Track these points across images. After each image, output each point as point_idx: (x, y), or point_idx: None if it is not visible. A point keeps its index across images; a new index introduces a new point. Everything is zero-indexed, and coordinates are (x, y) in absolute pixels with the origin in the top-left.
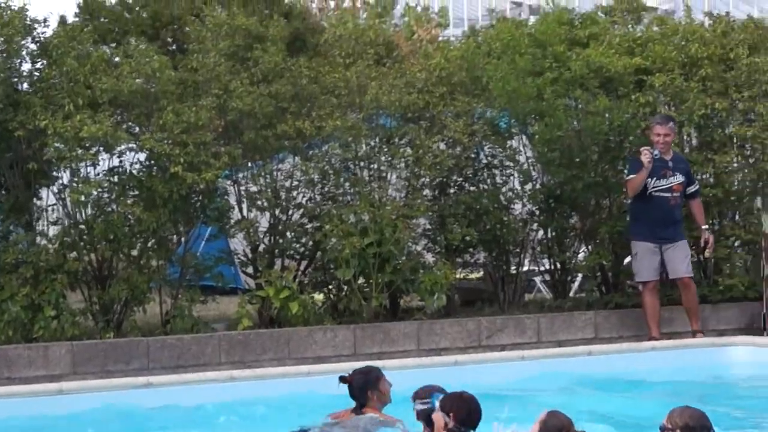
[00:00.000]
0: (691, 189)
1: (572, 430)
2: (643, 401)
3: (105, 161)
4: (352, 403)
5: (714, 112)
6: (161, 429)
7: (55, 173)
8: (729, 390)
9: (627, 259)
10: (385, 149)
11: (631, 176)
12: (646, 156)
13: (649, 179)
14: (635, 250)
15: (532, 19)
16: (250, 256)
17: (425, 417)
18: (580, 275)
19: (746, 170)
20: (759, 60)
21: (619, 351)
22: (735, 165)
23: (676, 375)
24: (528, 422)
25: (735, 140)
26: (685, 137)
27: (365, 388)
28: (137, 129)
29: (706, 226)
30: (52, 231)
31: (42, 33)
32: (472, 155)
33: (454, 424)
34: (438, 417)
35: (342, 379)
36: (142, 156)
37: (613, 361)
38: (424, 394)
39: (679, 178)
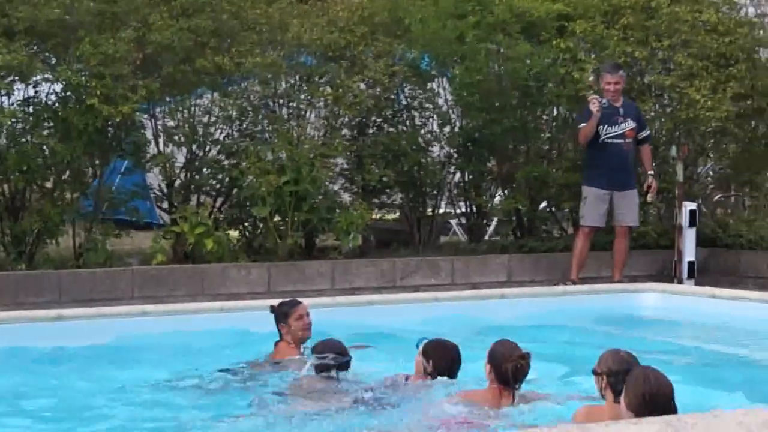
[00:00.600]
0: (643, 134)
1: (517, 353)
2: (554, 344)
3: (20, 91)
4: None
5: (634, 60)
6: (71, 362)
7: None
8: (638, 334)
9: (542, 204)
10: (305, 87)
11: (582, 125)
12: (594, 105)
13: (601, 126)
14: (585, 194)
15: None
16: (165, 191)
17: (320, 372)
18: (495, 219)
19: (663, 119)
20: (679, 9)
21: (532, 294)
22: (652, 114)
23: (588, 319)
24: None
25: (653, 89)
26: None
27: (276, 322)
28: (54, 60)
29: (652, 172)
30: None
31: None
32: (392, 96)
33: (432, 371)
34: (419, 360)
35: (271, 308)
36: (58, 87)
37: (525, 304)
38: (322, 348)
39: (631, 124)
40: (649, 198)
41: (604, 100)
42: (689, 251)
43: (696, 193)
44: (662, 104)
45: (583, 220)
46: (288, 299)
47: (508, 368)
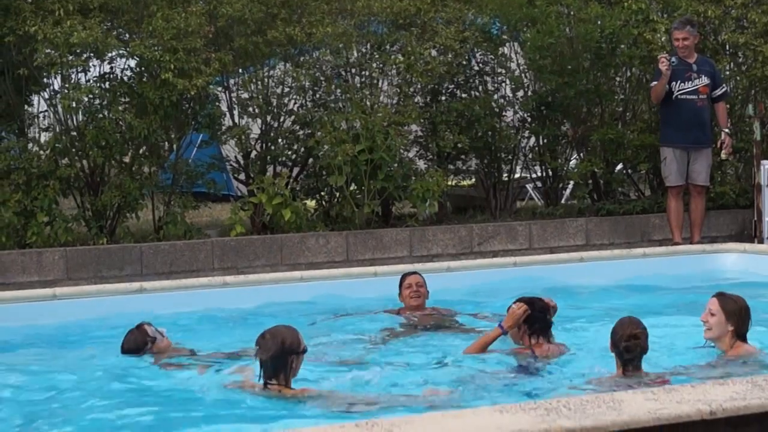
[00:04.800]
0: (718, 92)
1: (628, 332)
2: (634, 307)
3: (96, 67)
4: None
5: (707, 19)
6: None
7: (45, 79)
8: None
9: (618, 167)
10: (377, 56)
11: (653, 83)
12: (663, 64)
13: (674, 83)
14: (664, 155)
15: None
16: (242, 162)
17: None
18: (571, 182)
19: (738, 77)
20: None
21: (611, 257)
22: (727, 72)
23: (668, 281)
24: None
25: (727, 47)
26: None
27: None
28: (127, 35)
29: (728, 130)
30: (44, 137)
31: None
32: (464, 62)
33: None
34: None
35: None
36: (132, 62)
37: (604, 268)
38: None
39: (705, 81)
40: (723, 155)
41: (674, 58)
42: None
43: None
44: (737, 62)
45: (667, 180)
46: (408, 270)
47: (620, 347)
